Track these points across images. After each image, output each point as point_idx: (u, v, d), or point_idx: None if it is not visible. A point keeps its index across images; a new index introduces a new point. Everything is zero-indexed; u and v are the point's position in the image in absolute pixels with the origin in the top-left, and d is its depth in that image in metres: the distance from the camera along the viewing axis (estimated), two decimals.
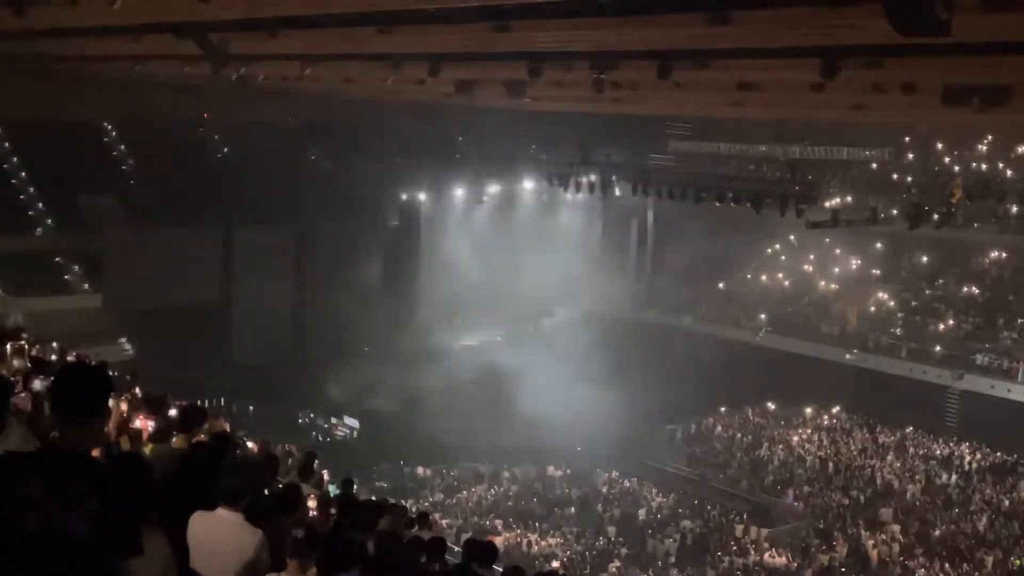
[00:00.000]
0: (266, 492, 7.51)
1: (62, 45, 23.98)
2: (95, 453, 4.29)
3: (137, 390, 14.98)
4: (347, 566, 6.46)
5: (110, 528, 2.98)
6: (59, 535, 2.34)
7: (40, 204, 40.83)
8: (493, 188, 46.72)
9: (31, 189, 41.02)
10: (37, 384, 5.93)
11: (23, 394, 5.92)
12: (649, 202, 47.88)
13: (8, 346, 6.60)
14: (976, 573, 28.84)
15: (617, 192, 41.52)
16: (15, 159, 41.21)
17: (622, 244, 52.32)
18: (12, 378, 6.14)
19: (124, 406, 9.73)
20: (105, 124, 44.09)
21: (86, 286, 40.26)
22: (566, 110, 34.88)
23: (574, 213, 47.18)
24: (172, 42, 18.82)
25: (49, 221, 40.65)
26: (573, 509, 35.15)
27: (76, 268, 40.34)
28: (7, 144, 41.32)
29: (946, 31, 9.43)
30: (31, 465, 2.94)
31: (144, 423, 8.32)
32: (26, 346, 6.60)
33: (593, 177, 39.93)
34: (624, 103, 25.92)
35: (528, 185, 45.63)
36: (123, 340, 38.22)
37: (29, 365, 6.55)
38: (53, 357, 12.77)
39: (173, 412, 9.44)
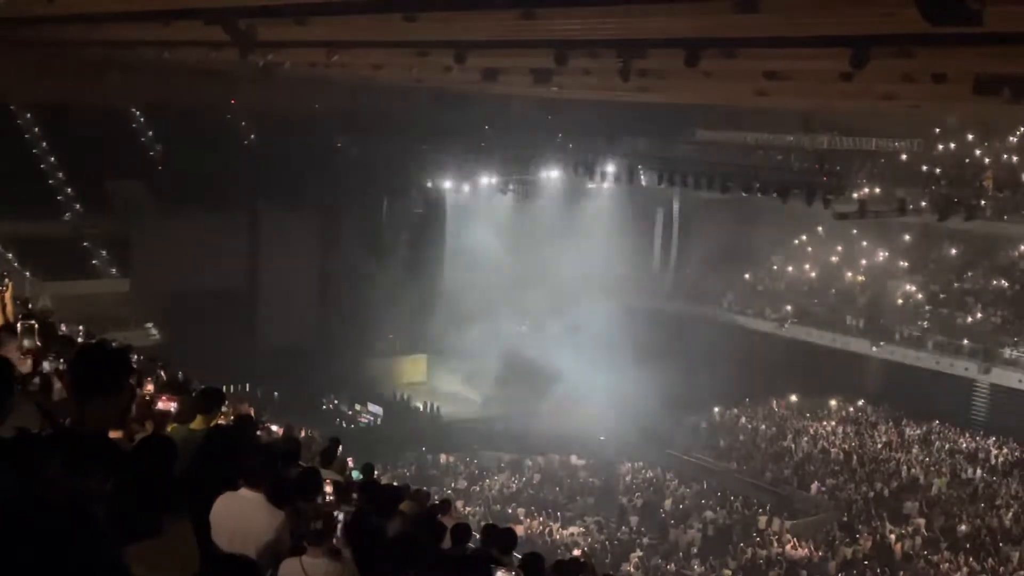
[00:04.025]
0: (287, 476, 7.54)
1: (92, 31, 24.12)
2: (117, 435, 4.32)
3: (162, 373, 15.11)
4: (368, 548, 6.48)
5: (126, 509, 3.00)
6: (74, 516, 2.34)
7: (69, 189, 41.13)
8: (518, 177, 46.61)
9: (60, 174, 41.34)
10: (46, 365, 5.92)
11: (47, 374, 5.95)
12: (675, 192, 47.68)
13: (19, 325, 6.61)
14: (1001, 568, 28.61)
15: (643, 181, 41.37)
16: (44, 144, 41.52)
17: (647, 234, 52.10)
18: (22, 357, 6.14)
19: (149, 388, 9.81)
20: (133, 110, 44.34)
21: (113, 271, 40.56)
22: (592, 98, 34.83)
23: (599, 202, 46.99)
24: (200, 28, 18.90)
25: (77, 206, 40.94)
26: (595, 499, 35.15)
27: (104, 253, 40.63)
28: (37, 129, 41.64)
29: (978, 21, 9.33)
30: (48, 446, 2.95)
31: (167, 405, 8.35)
32: (36, 325, 6.58)
33: (619, 166, 39.80)
34: (651, 91, 25.86)
35: (554, 174, 45.49)
36: (150, 325, 38.49)
37: (39, 344, 6.55)
38: (79, 340, 12.88)
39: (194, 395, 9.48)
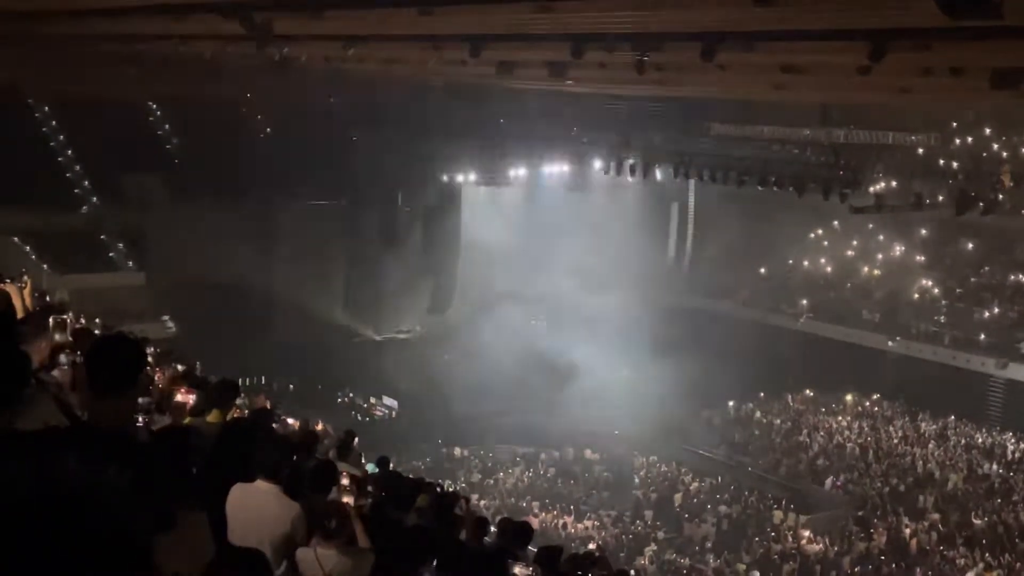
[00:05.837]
0: (303, 468, 7.57)
1: (108, 25, 24.17)
2: (133, 427, 4.34)
3: (179, 366, 15.17)
4: (387, 540, 6.50)
5: (142, 503, 3.01)
6: (92, 512, 2.35)
7: (86, 182, 41.32)
8: (533, 170, 46.54)
9: (77, 167, 41.51)
10: (63, 358, 5.97)
11: (64, 367, 5.99)
12: (690, 185, 47.58)
13: (51, 320, 6.66)
14: (1017, 564, 28.49)
15: (658, 175, 41.29)
16: (62, 137, 41.69)
17: (663, 228, 52.00)
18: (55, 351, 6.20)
19: (165, 380, 9.86)
20: (150, 103, 44.47)
21: (130, 264, 40.75)
22: (608, 92, 34.74)
23: (615, 196, 46.89)
24: (216, 22, 18.92)
25: (95, 199, 41.13)
26: (609, 493, 35.15)
27: (120, 246, 40.82)
28: (54, 123, 41.82)
29: (997, 14, 9.28)
30: (64, 441, 2.96)
31: (185, 397, 8.39)
32: (68, 320, 6.63)
33: (634, 160, 39.72)
34: (667, 85, 25.76)
35: (569, 168, 45.41)
36: (166, 318, 38.64)
37: (70, 339, 6.62)
38: (96, 332, 12.93)
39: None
